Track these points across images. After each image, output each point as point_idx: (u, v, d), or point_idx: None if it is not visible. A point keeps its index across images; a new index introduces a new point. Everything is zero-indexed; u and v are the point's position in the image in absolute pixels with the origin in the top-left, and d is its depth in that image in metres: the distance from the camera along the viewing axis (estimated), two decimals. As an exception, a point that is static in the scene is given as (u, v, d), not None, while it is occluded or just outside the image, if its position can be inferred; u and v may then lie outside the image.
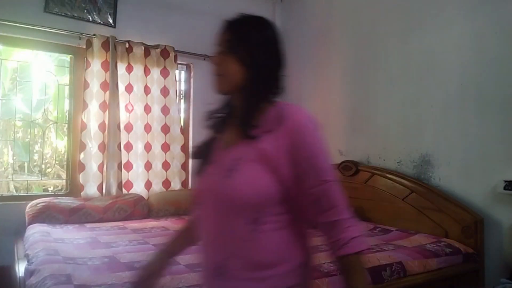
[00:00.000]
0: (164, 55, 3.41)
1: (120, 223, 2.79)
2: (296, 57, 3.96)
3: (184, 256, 1.94)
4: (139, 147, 3.31)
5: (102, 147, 3.12)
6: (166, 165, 3.40)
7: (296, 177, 0.87)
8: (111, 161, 3.09)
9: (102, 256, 1.92)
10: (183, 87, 3.76)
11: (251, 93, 0.92)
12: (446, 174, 2.52)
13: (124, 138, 3.23)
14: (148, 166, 3.34)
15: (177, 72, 3.59)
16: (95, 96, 3.12)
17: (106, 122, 3.13)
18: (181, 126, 3.55)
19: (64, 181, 3.28)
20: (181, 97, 3.75)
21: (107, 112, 3.13)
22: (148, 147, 3.34)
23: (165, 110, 3.41)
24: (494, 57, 2.29)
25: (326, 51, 3.57)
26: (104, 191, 3.09)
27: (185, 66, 3.74)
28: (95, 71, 3.13)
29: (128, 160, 3.26)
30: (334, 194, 0.88)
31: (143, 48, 3.34)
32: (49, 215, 2.67)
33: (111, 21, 3.26)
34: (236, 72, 0.91)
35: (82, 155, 3.05)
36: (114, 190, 3.10)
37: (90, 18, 3.17)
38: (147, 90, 3.35)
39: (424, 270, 1.98)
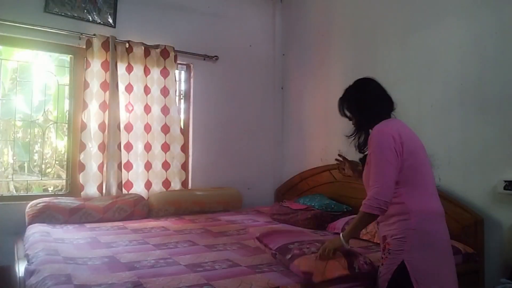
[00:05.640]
0: (164, 55, 3.41)
1: (120, 223, 2.79)
2: (296, 57, 3.96)
3: (184, 256, 1.95)
4: (139, 147, 3.31)
5: (102, 147, 3.12)
6: (166, 165, 3.40)
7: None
8: (111, 161, 3.09)
9: (102, 256, 1.92)
10: (183, 87, 3.76)
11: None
12: (446, 174, 2.52)
13: (124, 138, 3.23)
14: (148, 166, 3.34)
15: (177, 72, 3.59)
16: (95, 96, 3.12)
17: (106, 122, 3.13)
18: (181, 126, 3.55)
19: (64, 181, 3.28)
20: (181, 97, 3.74)
21: (107, 112, 3.14)
22: (148, 147, 3.35)
23: (165, 110, 3.41)
24: (494, 57, 2.29)
25: (326, 51, 3.57)
26: (104, 191, 3.09)
27: (185, 66, 3.74)
28: (95, 71, 3.13)
29: (128, 160, 3.26)
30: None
31: (143, 48, 3.34)
32: (49, 215, 2.67)
33: (111, 21, 3.26)
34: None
35: (82, 155, 3.05)
36: (114, 190, 3.10)
37: (90, 18, 3.18)
38: (147, 90, 3.35)
39: (424, 270, 1.97)
